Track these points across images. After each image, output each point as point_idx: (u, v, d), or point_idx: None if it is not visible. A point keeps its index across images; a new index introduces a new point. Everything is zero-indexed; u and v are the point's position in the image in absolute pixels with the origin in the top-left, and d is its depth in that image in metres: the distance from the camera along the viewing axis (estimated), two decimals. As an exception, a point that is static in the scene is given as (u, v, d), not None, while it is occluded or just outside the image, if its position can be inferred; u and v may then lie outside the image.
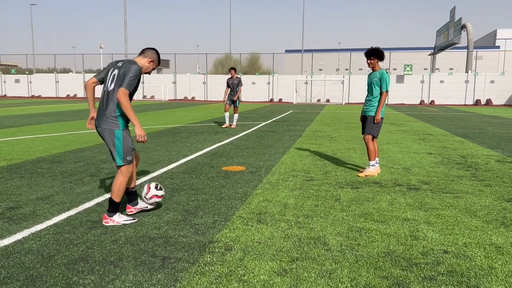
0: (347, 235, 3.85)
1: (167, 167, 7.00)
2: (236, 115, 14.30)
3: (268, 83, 43.08)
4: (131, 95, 4.04)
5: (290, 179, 6.15)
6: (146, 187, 4.52)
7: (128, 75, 3.94)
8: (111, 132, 4.02)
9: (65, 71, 64.28)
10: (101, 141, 10.01)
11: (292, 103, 39.42)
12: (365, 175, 6.28)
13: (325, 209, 4.67)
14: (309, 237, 3.79)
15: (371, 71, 6.50)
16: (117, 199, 4.13)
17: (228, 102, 14.16)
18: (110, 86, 4.04)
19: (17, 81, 49.11)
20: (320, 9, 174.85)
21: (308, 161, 7.65)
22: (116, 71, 4.04)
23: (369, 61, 6.34)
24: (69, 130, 12.57)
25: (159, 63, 4.34)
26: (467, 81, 38.78)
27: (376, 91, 6.33)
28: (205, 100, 44.37)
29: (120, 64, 4.08)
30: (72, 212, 4.48)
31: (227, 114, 14.22)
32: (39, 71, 57.66)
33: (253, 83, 43.27)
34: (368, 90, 6.55)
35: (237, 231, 3.93)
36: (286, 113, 22.56)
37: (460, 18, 39.34)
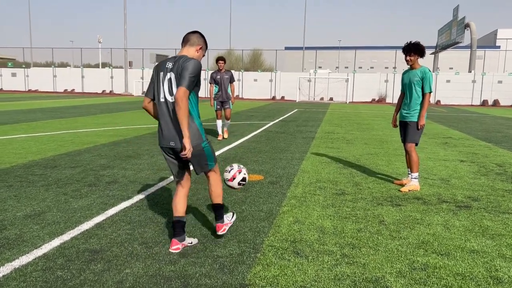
0: (411, 275, 3.07)
1: (176, 175, 6.19)
2: (228, 122, 10.47)
3: (270, 80, 42.19)
4: (194, 96, 3.39)
5: (318, 193, 5.36)
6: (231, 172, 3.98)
7: (187, 71, 3.24)
8: (199, 147, 3.41)
9: (63, 65, 63.22)
10: (101, 142, 9.20)
11: (295, 101, 38.59)
12: (409, 190, 5.47)
13: (371, 235, 3.88)
14: (365, 278, 3.01)
15: (410, 68, 5.70)
16: (221, 201, 3.72)
17: (218, 106, 10.29)
18: (171, 96, 3.34)
19: (13, 74, 48.07)
20: (320, 6, 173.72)
21: (332, 169, 6.86)
22: (170, 75, 3.32)
23: (408, 58, 5.54)
24: (66, 129, 11.75)
25: (206, 47, 3.59)
26: (474, 81, 37.99)
27: (418, 92, 5.53)
28: (206, 97, 43.49)
29: (169, 65, 3.35)
30: (66, 236, 3.69)
31: (219, 123, 10.35)
32: (36, 64, 56.59)
33: (255, 80, 42.36)
34: (405, 91, 5.75)
35: (272, 268, 3.14)
36: (292, 112, 21.76)
37: (464, 17, 38.51)
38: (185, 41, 3.50)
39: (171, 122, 3.36)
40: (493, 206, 4.95)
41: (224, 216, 3.74)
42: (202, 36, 3.54)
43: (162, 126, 3.41)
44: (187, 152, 3.22)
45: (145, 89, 44.89)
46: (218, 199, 3.67)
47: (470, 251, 3.56)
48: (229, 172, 3.92)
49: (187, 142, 3.21)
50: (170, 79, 3.33)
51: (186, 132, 3.21)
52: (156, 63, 3.54)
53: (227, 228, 3.71)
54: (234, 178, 3.91)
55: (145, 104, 3.56)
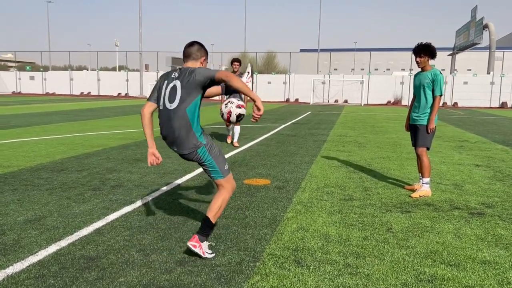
0: (417, 288, 2.91)
1: (181, 178, 6.12)
2: (238, 128, 9.68)
3: (284, 82, 42.06)
4: (198, 106, 3.38)
5: (325, 198, 5.21)
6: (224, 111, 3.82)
7: (206, 71, 3.28)
8: (195, 154, 3.36)
9: (81, 68, 64.13)
10: (110, 145, 9.20)
11: (309, 103, 38.36)
12: (420, 196, 5.29)
13: (377, 244, 3.73)
14: (368, 290, 2.86)
15: (420, 70, 5.53)
16: (214, 219, 3.41)
17: None
18: (171, 103, 3.32)
19: (31, 78, 48.91)
20: (336, 7, 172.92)
21: (341, 174, 6.70)
22: (175, 83, 3.32)
23: (418, 59, 5.37)
24: (77, 132, 11.81)
25: (207, 54, 3.58)
26: (492, 83, 37.20)
27: (428, 95, 5.36)
28: (221, 100, 43.53)
29: (175, 75, 3.37)
30: (63, 242, 3.62)
31: (229, 127, 10.07)
32: (55, 68, 57.46)
33: (269, 82, 42.27)
34: (416, 94, 5.58)
35: (271, 278, 3.02)
36: (305, 114, 21.58)
37: (482, 17, 37.81)
38: (187, 56, 3.48)
39: (170, 129, 3.37)
40: (508, 213, 4.74)
41: (205, 241, 3.36)
42: (202, 45, 3.52)
43: (163, 131, 3.44)
44: (261, 111, 3.25)
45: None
46: (210, 212, 3.39)
47: (482, 262, 3.38)
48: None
49: (259, 103, 3.24)
50: (174, 87, 3.33)
51: (252, 95, 3.25)
52: (170, 66, 3.55)
53: (198, 250, 3.28)
54: (224, 113, 3.80)
55: (146, 112, 3.45)
